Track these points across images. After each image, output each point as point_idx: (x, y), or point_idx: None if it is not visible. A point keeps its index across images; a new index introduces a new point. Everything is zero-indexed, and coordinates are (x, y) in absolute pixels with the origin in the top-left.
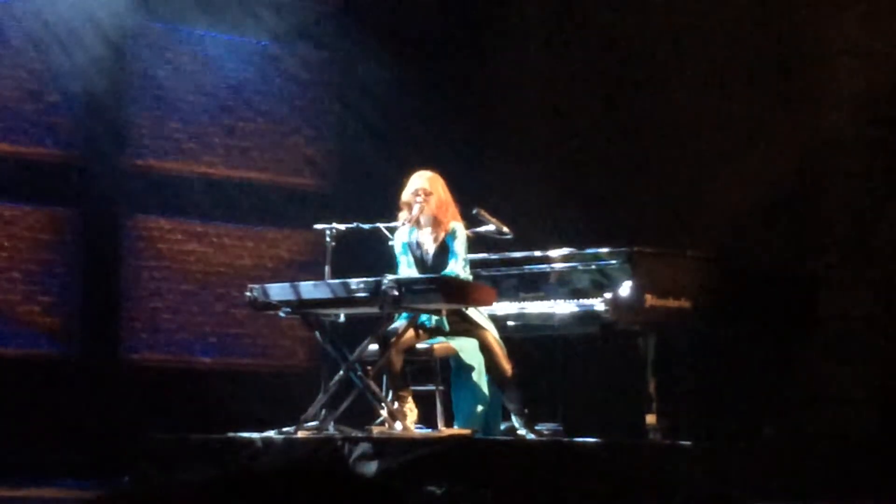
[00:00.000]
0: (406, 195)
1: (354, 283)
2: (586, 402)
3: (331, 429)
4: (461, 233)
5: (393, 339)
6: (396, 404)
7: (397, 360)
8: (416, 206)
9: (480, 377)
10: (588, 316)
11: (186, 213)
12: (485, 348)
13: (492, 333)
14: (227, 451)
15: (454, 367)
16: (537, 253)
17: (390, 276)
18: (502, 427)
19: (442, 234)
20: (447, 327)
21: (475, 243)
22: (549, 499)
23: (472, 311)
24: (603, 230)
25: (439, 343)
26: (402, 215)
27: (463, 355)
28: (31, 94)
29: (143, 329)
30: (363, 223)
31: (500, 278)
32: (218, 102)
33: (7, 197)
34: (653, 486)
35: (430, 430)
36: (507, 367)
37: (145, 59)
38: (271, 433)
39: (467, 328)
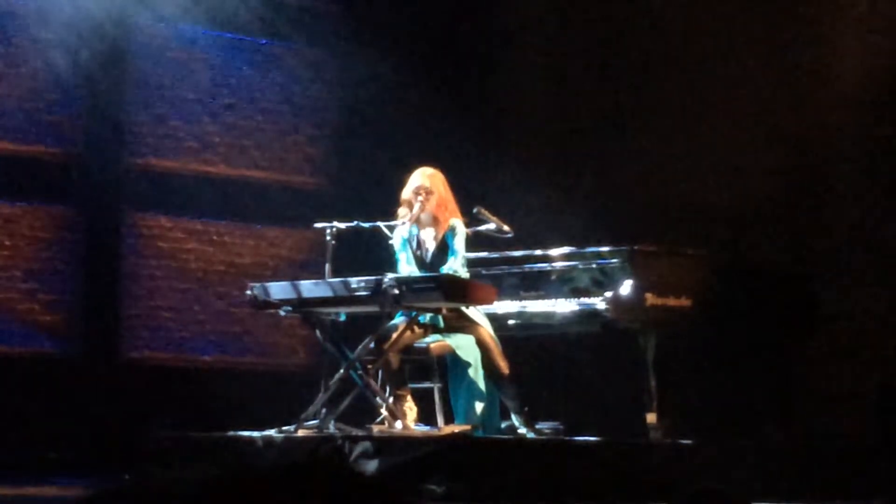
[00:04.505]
0: (406, 192)
1: (355, 281)
2: (587, 400)
3: (331, 427)
4: (460, 230)
5: (391, 338)
6: (396, 403)
7: (395, 359)
8: (417, 204)
9: (477, 374)
10: (588, 315)
11: (187, 212)
12: (481, 345)
13: (487, 330)
14: (228, 450)
15: (451, 365)
16: (538, 252)
17: (391, 275)
18: (503, 425)
19: (442, 232)
20: (442, 324)
21: (476, 242)
22: (549, 497)
23: (468, 308)
24: (603, 229)
25: (436, 341)
26: (402, 212)
27: (459, 352)
28: (32, 92)
29: (143, 327)
30: (363, 222)
31: (501, 277)
32: (218, 101)
33: (7, 195)
34: (653, 485)
35: (430, 428)
36: (502, 364)
37: (145, 58)
38: (271, 432)
39: (463, 325)
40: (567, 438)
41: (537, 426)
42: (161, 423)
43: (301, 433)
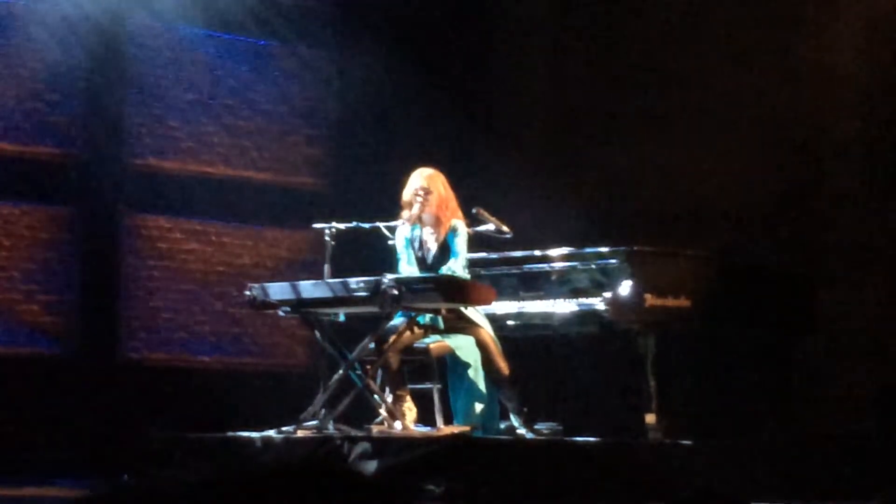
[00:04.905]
0: (407, 194)
1: (354, 282)
2: (585, 401)
3: (330, 428)
4: (462, 231)
5: (391, 339)
6: (395, 403)
7: (395, 360)
8: (417, 205)
9: (477, 375)
10: (588, 315)
11: (186, 212)
12: (480, 346)
13: (487, 331)
14: (226, 451)
15: (450, 366)
16: (537, 252)
17: (390, 276)
18: (502, 426)
19: (443, 233)
20: (442, 325)
21: (475, 243)
22: (548, 498)
23: (467, 309)
24: (603, 229)
25: (436, 342)
26: (404, 214)
27: (459, 353)
28: (31, 92)
29: (142, 328)
30: (362, 222)
31: (500, 277)
32: (217, 101)
33: (6, 196)
34: (652, 486)
35: (429, 429)
36: (503, 364)
37: (144, 58)
38: (270, 432)
39: (463, 326)
40: (566, 439)
41: (536, 427)
42: (160, 423)
43: (300, 434)
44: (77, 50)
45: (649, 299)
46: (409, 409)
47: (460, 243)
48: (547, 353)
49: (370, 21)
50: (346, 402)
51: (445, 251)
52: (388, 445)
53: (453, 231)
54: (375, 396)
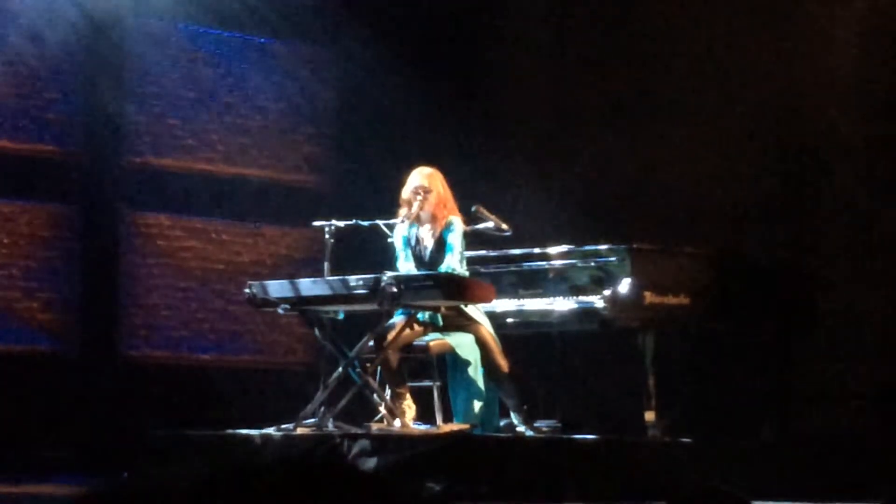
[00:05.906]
0: (406, 192)
1: (353, 279)
2: (585, 399)
3: (330, 426)
4: (458, 226)
5: (390, 337)
6: (394, 401)
7: (394, 358)
8: (416, 203)
9: (477, 372)
10: (587, 313)
11: (185, 210)
12: (480, 343)
13: (486, 328)
14: (226, 448)
15: (450, 363)
16: (536, 250)
17: (389, 273)
18: (501, 423)
19: (440, 230)
20: (440, 322)
21: (474, 240)
22: (547, 496)
23: (467, 307)
24: (602, 227)
25: (435, 339)
26: (402, 212)
27: (459, 351)
28: (31, 90)
29: (141, 326)
30: (362, 220)
31: (499, 275)
32: (217, 99)
33: (6, 193)
34: (651, 483)
35: (428, 427)
36: (502, 362)
37: (144, 56)
38: (270, 430)
39: (462, 323)
40: (566, 437)
41: (536, 424)
42: (160, 421)
43: (300, 431)
44: (77, 47)
45: (648, 297)
46: (409, 406)
47: (454, 237)
48: (546, 350)
49: (370, 19)
50: (345, 399)
51: (441, 247)
52: (387, 443)
53: (449, 227)
54: (375, 394)
